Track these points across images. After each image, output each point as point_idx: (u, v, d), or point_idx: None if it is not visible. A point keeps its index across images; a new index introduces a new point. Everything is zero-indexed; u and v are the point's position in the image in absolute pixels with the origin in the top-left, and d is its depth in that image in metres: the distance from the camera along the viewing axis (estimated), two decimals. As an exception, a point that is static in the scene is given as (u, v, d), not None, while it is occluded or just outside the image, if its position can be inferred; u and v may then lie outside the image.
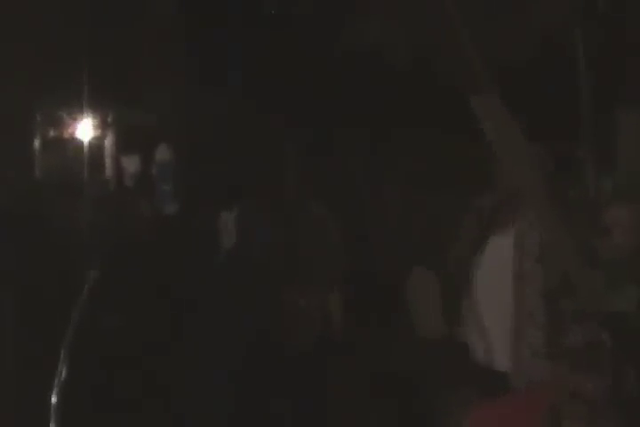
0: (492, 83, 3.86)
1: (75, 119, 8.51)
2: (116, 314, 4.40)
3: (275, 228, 4.43)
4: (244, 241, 4.51)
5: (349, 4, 7.42)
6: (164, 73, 8.30)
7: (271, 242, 4.41)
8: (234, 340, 4.31)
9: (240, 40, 7.82)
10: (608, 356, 2.79)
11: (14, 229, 4.92)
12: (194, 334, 4.41)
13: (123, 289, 4.44)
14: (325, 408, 4.40)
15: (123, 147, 8.66)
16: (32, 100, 8.06)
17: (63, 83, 7.84)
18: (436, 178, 6.53)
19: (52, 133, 8.56)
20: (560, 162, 4.27)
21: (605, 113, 6.60)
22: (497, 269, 4.08)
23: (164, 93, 8.24)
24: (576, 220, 3.88)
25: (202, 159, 7.78)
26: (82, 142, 8.49)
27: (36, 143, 8.39)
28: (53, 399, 3.80)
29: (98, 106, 8.36)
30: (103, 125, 8.65)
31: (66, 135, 8.58)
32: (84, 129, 8.53)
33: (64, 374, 3.83)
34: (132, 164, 8.51)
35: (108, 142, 8.66)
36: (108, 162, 8.60)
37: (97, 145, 8.59)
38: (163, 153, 8.38)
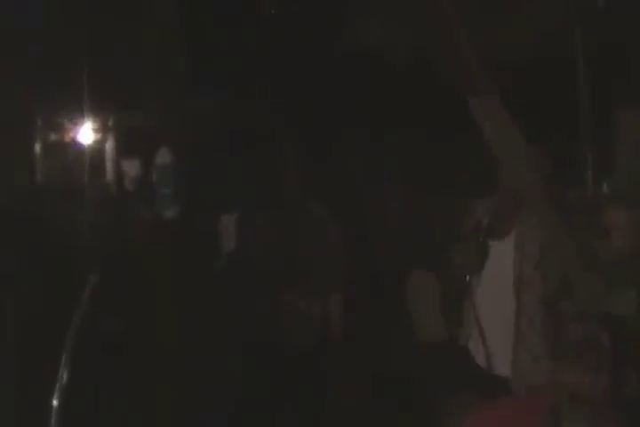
0: (492, 83, 3.86)
1: (75, 123, 8.53)
2: (116, 317, 4.41)
3: (275, 228, 4.43)
4: (244, 243, 4.51)
5: (349, 4, 7.44)
6: (165, 75, 8.31)
7: (271, 243, 4.40)
8: (234, 341, 4.31)
9: (240, 40, 7.82)
10: (608, 358, 2.79)
11: (15, 233, 4.93)
12: (194, 336, 4.41)
13: (123, 292, 4.44)
14: (325, 408, 4.39)
15: (123, 151, 8.67)
16: (33, 105, 8.07)
17: (64, 87, 7.85)
18: (436, 178, 6.53)
19: (52, 138, 8.58)
20: (559, 163, 4.26)
21: (604, 114, 6.60)
22: (497, 274, 4.08)
23: (164, 97, 8.25)
24: (575, 221, 3.87)
25: (202, 162, 7.78)
26: (82, 146, 8.51)
27: (37, 147, 8.41)
28: (54, 403, 3.80)
29: (98, 110, 8.37)
30: (104, 129, 8.66)
31: (67, 139, 8.59)
32: (85, 133, 8.55)
33: (65, 377, 3.83)
34: (132, 167, 8.52)
35: (109, 146, 8.67)
36: (108, 166, 8.61)
37: (97, 149, 8.60)
38: (163, 157, 8.39)
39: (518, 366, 3.98)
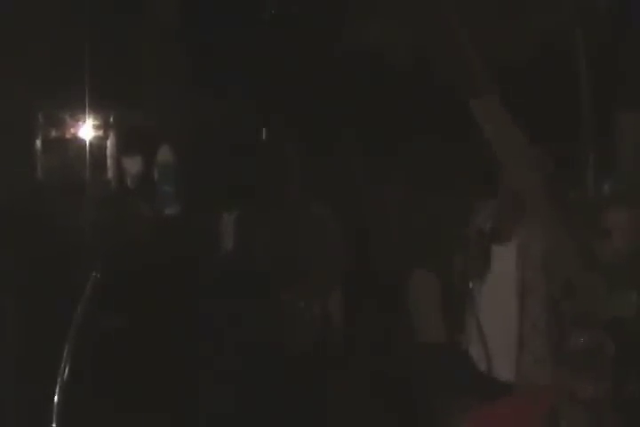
0: (493, 84, 3.86)
1: (77, 120, 8.53)
2: (116, 315, 4.41)
3: (274, 228, 4.44)
4: (243, 241, 4.51)
5: (350, 3, 7.44)
6: (166, 74, 8.31)
7: (271, 242, 4.41)
8: (234, 340, 4.32)
9: (240, 40, 7.82)
10: (608, 359, 2.80)
11: (16, 229, 4.93)
12: (194, 335, 4.42)
13: (123, 290, 4.44)
14: (325, 409, 4.40)
15: (124, 148, 8.67)
16: (34, 101, 8.07)
17: (65, 84, 7.85)
18: (437, 178, 6.53)
19: (54, 134, 8.58)
20: (560, 163, 4.27)
21: (605, 114, 6.60)
22: (500, 277, 4.09)
23: (165, 95, 8.26)
24: (576, 222, 3.88)
25: (203, 160, 7.78)
26: (84, 143, 8.51)
27: (38, 144, 8.40)
28: (55, 399, 3.82)
29: (100, 107, 8.37)
30: (105, 126, 8.66)
31: (68, 136, 8.59)
32: (86, 130, 8.55)
33: (66, 374, 3.84)
34: (133, 165, 8.52)
35: (110, 143, 8.67)
36: (109, 163, 8.61)
37: (99, 146, 8.60)
38: (164, 154, 8.39)
39: (521, 368, 3.99)
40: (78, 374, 3.88)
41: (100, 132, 8.64)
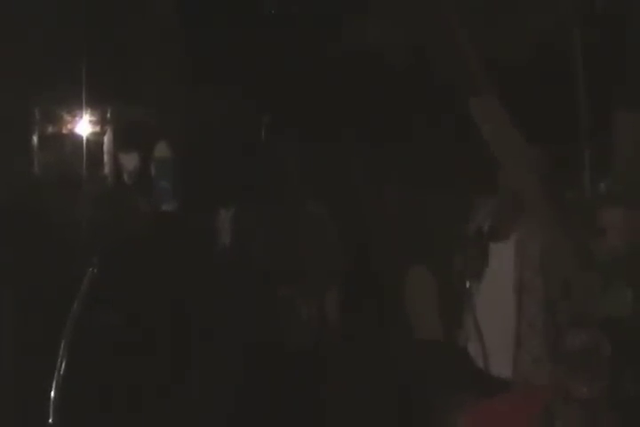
0: (491, 84, 3.88)
1: (74, 116, 8.52)
2: (114, 311, 4.42)
3: (273, 227, 4.44)
4: (241, 239, 4.52)
5: (350, 3, 7.43)
6: (164, 70, 8.30)
7: (269, 241, 4.42)
8: (232, 339, 4.32)
9: (240, 40, 7.82)
10: (604, 358, 2.82)
11: (12, 226, 4.93)
12: (192, 333, 4.42)
13: (121, 286, 4.45)
14: (324, 408, 4.41)
15: (121, 143, 8.65)
16: (31, 97, 8.05)
17: (62, 79, 7.84)
18: (436, 178, 6.54)
19: (50, 130, 8.56)
20: (557, 163, 4.28)
21: (602, 114, 6.61)
22: (497, 276, 4.10)
23: (163, 91, 8.25)
24: (573, 221, 3.89)
25: (200, 157, 7.78)
26: (80, 139, 8.49)
27: (35, 139, 8.39)
28: (52, 395, 3.82)
29: (97, 102, 8.36)
30: (102, 122, 8.65)
31: (65, 131, 8.58)
32: (83, 125, 8.53)
33: (63, 370, 3.85)
34: (130, 160, 8.51)
35: (107, 139, 8.66)
36: (106, 158, 8.59)
37: (96, 142, 8.59)
38: (161, 150, 8.38)
39: (519, 367, 4.00)
40: (75, 370, 3.88)
41: (97, 128, 8.63)
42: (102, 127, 8.65)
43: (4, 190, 5.97)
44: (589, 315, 3.32)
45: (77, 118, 8.54)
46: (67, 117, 8.58)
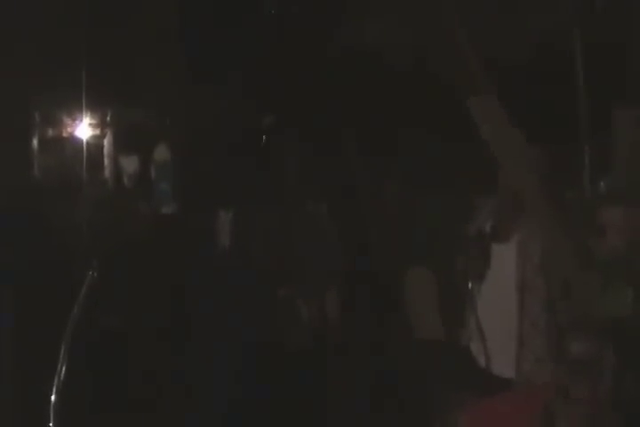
0: (491, 83, 3.87)
1: (74, 119, 8.52)
2: (114, 314, 4.41)
3: (273, 227, 4.44)
4: (241, 241, 4.52)
5: (350, 3, 7.43)
6: (164, 73, 8.29)
7: (269, 242, 4.42)
8: (232, 339, 4.32)
9: (240, 40, 7.82)
10: (605, 358, 2.81)
11: (13, 228, 4.93)
12: (192, 334, 4.42)
13: (121, 289, 4.45)
14: (324, 408, 4.40)
15: (121, 146, 8.65)
16: (31, 100, 8.06)
17: (62, 82, 7.84)
18: (436, 178, 6.54)
19: (50, 133, 8.56)
20: (557, 163, 4.27)
21: (602, 113, 6.61)
22: (499, 277, 4.10)
23: (163, 93, 8.24)
24: (573, 220, 3.89)
25: (200, 159, 7.78)
26: (81, 142, 8.49)
27: (35, 143, 8.39)
28: (53, 398, 3.82)
29: (97, 105, 8.36)
30: (102, 125, 8.65)
31: (65, 135, 8.58)
32: (83, 129, 8.53)
33: (63, 373, 3.84)
34: (130, 163, 8.50)
35: (107, 142, 8.66)
36: (106, 162, 8.59)
37: (96, 145, 8.59)
38: (161, 153, 8.37)
39: (521, 367, 3.99)
40: (75, 374, 3.88)
41: (98, 131, 8.63)
42: (102, 130, 8.65)
43: (4, 193, 5.97)
44: (591, 315, 3.31)
45: (77, 121, 8.54)
46: (67, 121, 8.58)
